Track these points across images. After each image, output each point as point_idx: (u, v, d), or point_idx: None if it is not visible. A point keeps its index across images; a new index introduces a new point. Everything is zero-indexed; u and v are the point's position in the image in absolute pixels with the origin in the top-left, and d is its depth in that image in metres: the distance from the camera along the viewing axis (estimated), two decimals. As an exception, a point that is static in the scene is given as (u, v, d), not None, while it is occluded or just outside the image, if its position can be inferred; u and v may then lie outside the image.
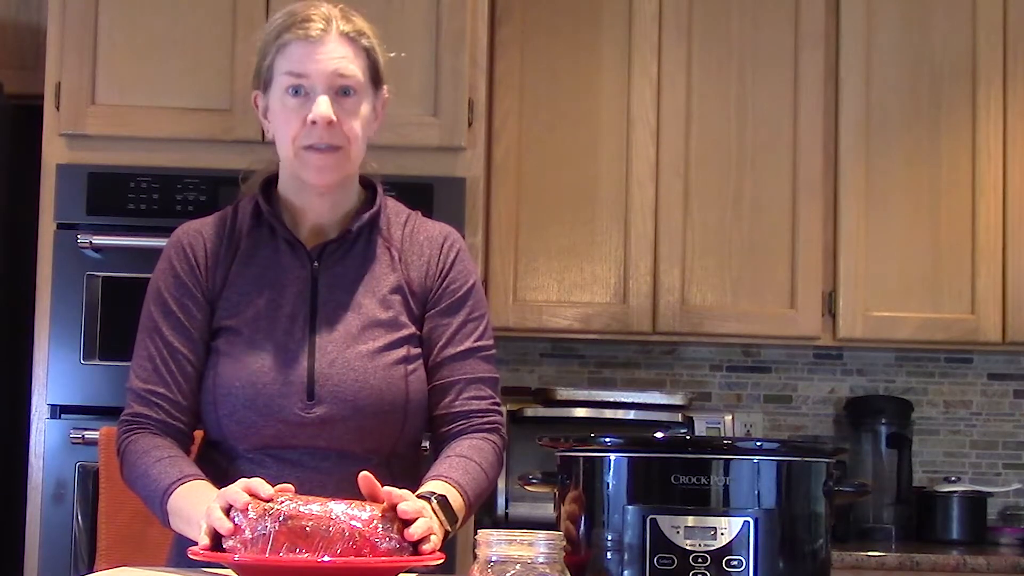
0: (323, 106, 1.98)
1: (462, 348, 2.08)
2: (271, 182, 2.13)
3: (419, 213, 2.18)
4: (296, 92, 2.00)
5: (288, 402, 1.98)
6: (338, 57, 2.00)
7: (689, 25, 3.65)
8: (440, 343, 2.08)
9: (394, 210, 2.15)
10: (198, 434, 2.09)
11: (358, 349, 2.01)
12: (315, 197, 2.07)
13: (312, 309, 2.04)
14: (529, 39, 3.65)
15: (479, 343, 2.10)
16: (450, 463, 2.00)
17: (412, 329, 2.07)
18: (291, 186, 2.09)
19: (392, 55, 2.12)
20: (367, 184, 2.14)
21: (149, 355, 2.04)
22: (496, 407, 2.11)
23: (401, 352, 2.04)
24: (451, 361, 2.08)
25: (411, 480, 2.07)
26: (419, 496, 1.82)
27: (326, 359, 2.00)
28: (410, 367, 2.04)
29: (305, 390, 1.99)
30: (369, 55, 2.05)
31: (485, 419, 2.08)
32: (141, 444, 2.00)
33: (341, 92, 2.00)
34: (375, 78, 2.07)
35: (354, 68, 2.01)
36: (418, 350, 2.07)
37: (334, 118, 1.98)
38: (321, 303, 2.04)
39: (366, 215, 2.09)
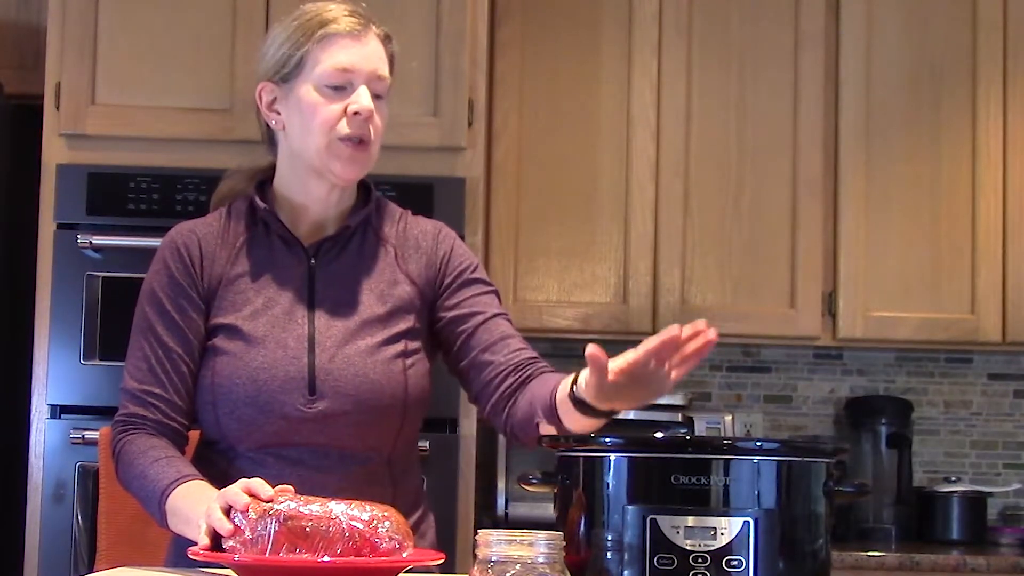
0: (365, 98, 2.00)
1: (493, 312, 2.08)
2: (265, 183, 2.12)
3: (409, 212, 2.19)
4: (337, 86, 2.01)
5: (290, 398, 1.98)
6: (378, 57, 2.04)
7: (689, 25, 3.65)
8: (469, 311, 2.07)
9: (387, 208, 2.16)
10: (193, 435, 2.09)
11: (357, 344, 2.01)
12: (323, 192, 2.07)
13: (310, 306, 2.04)
14: (529, 39, 3.65)
15: (503, 312, 2.10)
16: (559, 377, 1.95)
17: (411, 323, 2.07)
18: (294, 182, 2.08)
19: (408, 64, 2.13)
20: (360, 183, 2.14)
21: (144, 355, 2.03)
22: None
23: (399, 346, 2.04)
24: (489, 321, 2.06)
25: (411, 480, 2.06)
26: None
27: (326, 355, 2.00)
28: (408, 361, 2.04)
29: (306, 386, 1.99)
30: (391, 61, 2.09)
31: (547, 366, 2.04)
32: (138, 444, 2.00)
33: (374, 93, 2.03)
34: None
35: (386, 71, 2.06)
36: (416, 344, 2.07)
37: (374, 110, 2.01)
38: (319, 299, 2.04)
39: (363, 211, 2.10)
